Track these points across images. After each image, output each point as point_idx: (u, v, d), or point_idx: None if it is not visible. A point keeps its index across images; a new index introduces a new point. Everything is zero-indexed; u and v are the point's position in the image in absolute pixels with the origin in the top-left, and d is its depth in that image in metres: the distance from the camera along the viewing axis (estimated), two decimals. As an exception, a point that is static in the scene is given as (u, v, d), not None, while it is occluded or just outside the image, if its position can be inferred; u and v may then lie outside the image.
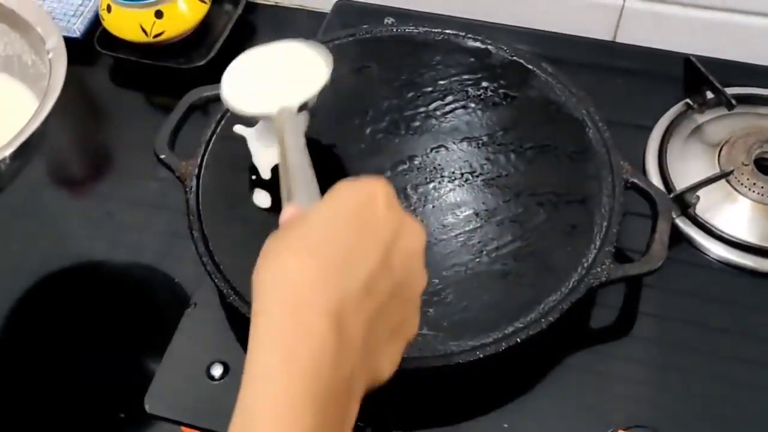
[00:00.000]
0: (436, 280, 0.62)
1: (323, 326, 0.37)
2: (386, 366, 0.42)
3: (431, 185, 0.68)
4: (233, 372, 0.62)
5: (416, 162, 0.70)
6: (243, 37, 0.94)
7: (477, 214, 0.66)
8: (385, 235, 0.41)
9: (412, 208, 0.67)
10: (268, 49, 0.67)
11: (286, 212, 0.45)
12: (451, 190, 0.68)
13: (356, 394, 0.39)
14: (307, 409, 0.35)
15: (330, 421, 0.37)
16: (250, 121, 0.67)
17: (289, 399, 0.35)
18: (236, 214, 0.66)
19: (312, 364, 0.36)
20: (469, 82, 0.75)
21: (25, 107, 0.70)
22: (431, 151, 0.71)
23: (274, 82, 0.65)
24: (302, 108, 0.61)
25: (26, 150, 0.62)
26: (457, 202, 0.67)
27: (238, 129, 0.70)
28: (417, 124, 0.73)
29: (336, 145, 0.72)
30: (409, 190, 0.68)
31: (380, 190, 0.42)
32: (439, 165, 0.70)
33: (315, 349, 0.36)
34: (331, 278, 0.38)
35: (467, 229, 0.65)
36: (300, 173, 0.50)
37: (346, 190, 0.43)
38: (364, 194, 0.42)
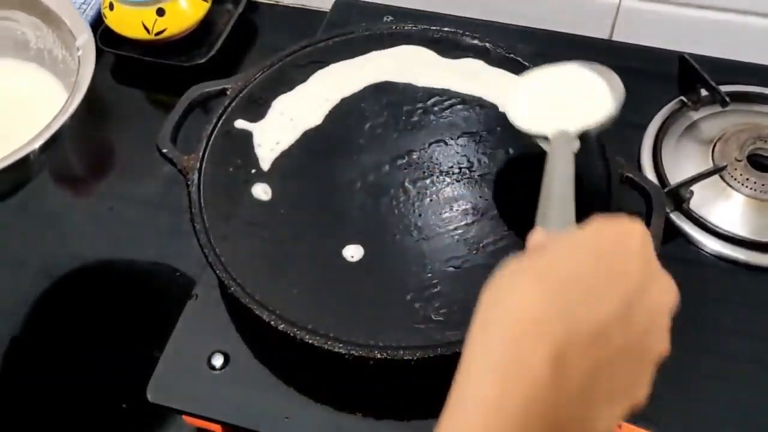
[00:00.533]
0: (429, 275, 0.63)
1: (542, 360, 0.34)
2: (600, 427, 0.37)
3: (429, 180, 0.69)
4: (234, 362, 0.63)
5: (414, 157, 0.71)
6: (244, 36, 0.95)
7: (474, 209, 0.67)
8: (632, 283, 0.37)
9: (411, 202, 0.68)
10: (562, 68, 0.68)
11: (535, 235, 0.43)
12: (448, 185, 0.69)
13: None
14: None
15: None
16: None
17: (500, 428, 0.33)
18: (237, 208, 0.67)
19: (525, 396, 0.33)
20: (467, 79, 0.76)
21: (54, 99, 0.71)
22: (429, 146, 0.72)
23: (560, 104, 0.64)
24: (582, 136, 0.60)
25: (54, 143, 0.62)
26: (455, 196, 0.68)
27: (240, 124, 0.72)
28: (415, 119, 0.74)
29: (336, 141, 0.73)
30: (407, 184, 0.69)
31: (637, 233, 0.39)
32: (437, 160, 0.71)
33: (530, 382, 0.34)
34: (561, 314, 0.35)
35: (464, 223, 0.66)
36: (560, 202, 0.48)
37: (600, 224, 0.39)
38: (619, 233, 0.39)
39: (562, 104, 0.64)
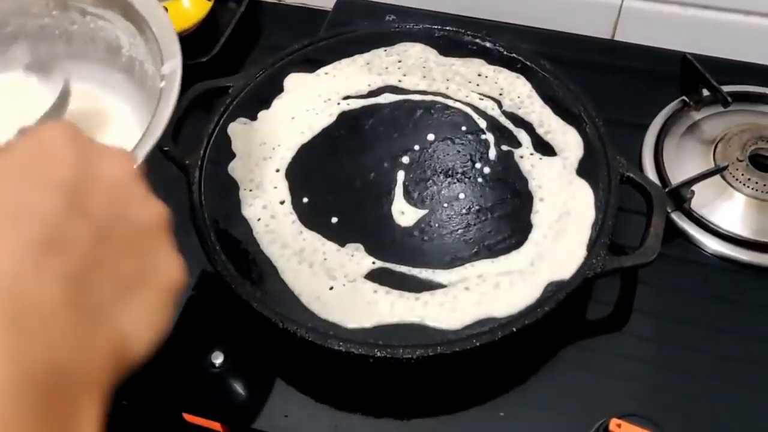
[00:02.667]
0: (433, 271, 0.63)
1: None
2: (134, 332, 0.34)
3: (430, 179, 0.69)
4: (233, 360, 0.63)
5: (416, 155, 0.71)
6: (246, 35, 0.95)
7: (477, 208, 0.67)
8: (64, 172, 0.34)
9: (413, 201, 0.68)
10: None
11: None
12: (450, 183, 0.69)
13: (86, 382, 0.31)
14: None
15: (41, 421, 0.28)
16: None
17: None
18: (237, 206, 0.67)
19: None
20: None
21: (132, 120, 0.67)
22: (431, 144, 0.72)
23: None
24: None
25: None
26: (456, 195, 0.68)
27: (242, 122, 0.72)
28: (417, 118, 0.74)
29: (338, 139, 0.73)
30: (408, 183, 0.69)
31: (55, 129, 0.36)
32: (439, 158, 0.71)
33: None
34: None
35: (465, 222, 0.66)
36: None
37: (14, 143, 0.36)
38: (32, 140, 0.36)
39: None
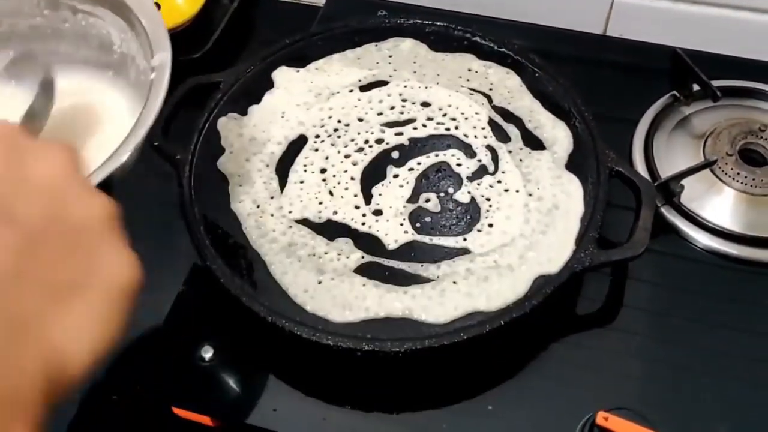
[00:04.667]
0: (421, 265, 0.63)
1: None
2: (70, 345, 0.31)
3: (420, 173, 0.70)
4: (223, 354, 0.64)
5: (405, 149, 0.71)
6: (239, 30, 0.95)
7: (465, 202, 0.67)
8: None
9: (404, 197, 0.68)
10: None
11: None
12: (440, 178, 0.69)
13: (13, 406, 0.28)
14: None
15: None
16: None
17: None
18: (227, 200, 0.68)
19: None
20: (459, 73, 0.76)
21: (126, 114, 0.66)
22: (420, 139, 0.72)
23: None
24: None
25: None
26: (445, 189, 0.68)
27: (232, 117, 0.72)
28: (409, 113, 0.74)
29: (327, 135, 0.73)
30: (400, 178, 0.69)
31: None
32: (428, 153, 0.71)
33: None
34: None
35: (454, 216, 0.67)
36: None
37: None
38: None
39: None
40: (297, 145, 0.72)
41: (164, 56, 0.61)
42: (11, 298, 0.30)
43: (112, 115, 0.69)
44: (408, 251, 0.64)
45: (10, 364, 0.28)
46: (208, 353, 0.64)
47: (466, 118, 0.73)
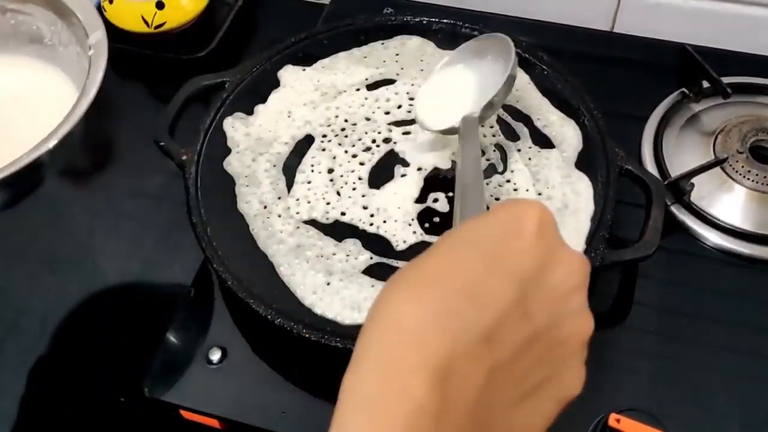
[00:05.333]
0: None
1: (420, 384, 0.29)
2: (522, 426, 0.33)
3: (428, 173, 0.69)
4: (231, 356, 0.63)
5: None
6: (244, 29, 0.95)
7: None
8: (525, 267, 0.33)
9: (411, 195, 0.67)
10: (448, 69, 0.70)
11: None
12: (445, 176, 0.69)
13: None
14: None
15: None
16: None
17: None
18: (233, 201, 0.67)
19: (403, 427, 0.29)
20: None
21: (65, 98, 0.68)
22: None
23: (457, 97, 0.67)
24: (488, 110, 0.64)
25: (64, 145, 0.60)
26: (453, 188, 0.68)
27: (238, 117, 0.72)
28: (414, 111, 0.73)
29: (334, 134, 0.72)
30: (405, 175, 0.69)
31: (532, 213, 0.34)
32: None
33: (409, 411, 0.29)
34: (441, 322, 0.31)
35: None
36: (471, 192, 0.47)
37: (491, 211, 0.35)
38: (508, 216, 0.34)
39: (459, 96, 0.67)
40: (304, 144, 0.71)
41: (99, 34, 0.66)
42: (500, 384, 0.32)
43: (52, 100, 0.71)
44: (417, 252, 0.63)
45: None
46: (216, 355, 0.63)
47: (474, 117, 0.72)
